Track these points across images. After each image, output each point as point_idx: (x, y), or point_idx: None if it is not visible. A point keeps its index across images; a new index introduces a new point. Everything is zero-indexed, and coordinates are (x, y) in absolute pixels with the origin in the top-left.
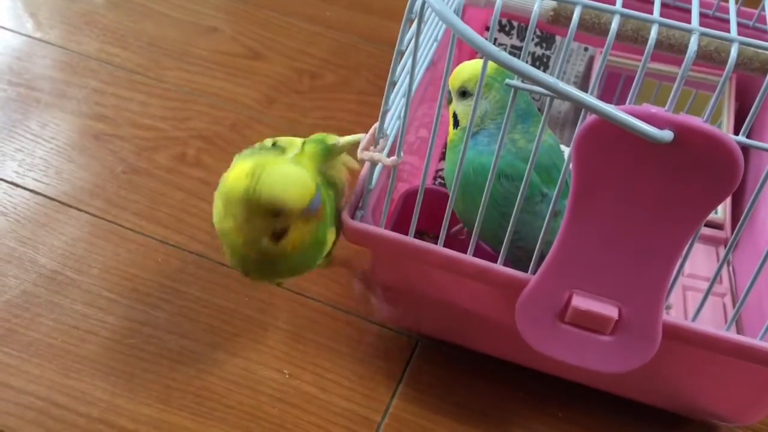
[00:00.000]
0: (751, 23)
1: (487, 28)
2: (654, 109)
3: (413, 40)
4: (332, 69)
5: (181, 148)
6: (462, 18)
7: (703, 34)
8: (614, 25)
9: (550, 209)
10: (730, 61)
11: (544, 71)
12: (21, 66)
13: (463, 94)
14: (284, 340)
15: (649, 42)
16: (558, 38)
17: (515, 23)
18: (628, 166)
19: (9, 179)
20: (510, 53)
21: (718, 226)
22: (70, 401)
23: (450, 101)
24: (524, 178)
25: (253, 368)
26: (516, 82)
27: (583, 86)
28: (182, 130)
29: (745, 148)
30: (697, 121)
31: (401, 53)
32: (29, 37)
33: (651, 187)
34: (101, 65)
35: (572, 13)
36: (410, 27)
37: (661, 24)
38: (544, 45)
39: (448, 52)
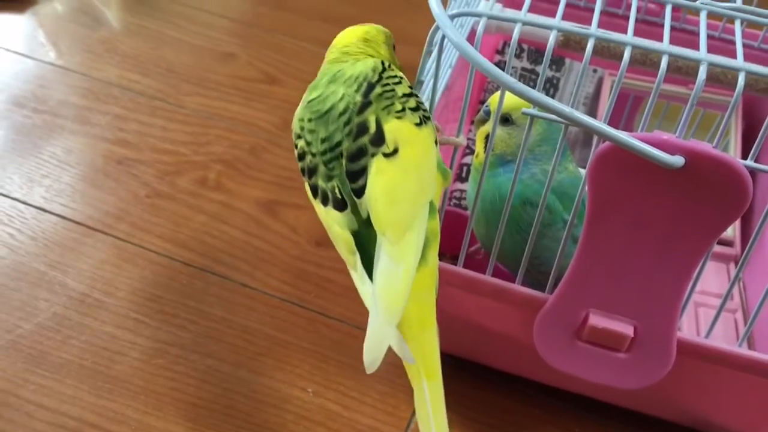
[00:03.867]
0: (756, 44)
1: (497, 51)
2: (665, 136)
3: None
4: None
5: (202, 172)
6: (471, 42)
7: (711, 64)
8: (626, 56)
9: (565, 235)
10: (737, 89)
11: (554, 93)
12: (45, 93)
13: (505, 120)
14: (307, 359)
15: (660, 72)
16: (567, 60)
17: (525, 46)
18: (641, 190)
19: (37, 205)
20: (520, 76)
21: (728, 243)
22: (102, 420)
23: (483, 122)
24: (540, 206)
25: (278, 387)
26: (533, 110)
27: (593, 107)
28: (203, 155)
29: (754, 171)
30: (706, 147)
31: (421, 82)
32: (52, 65)
33: (663, 209)
34: (122, 92)
35: (581, 38)
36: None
37: (671, 54)
38: (553, 67)
39: (467, 82)
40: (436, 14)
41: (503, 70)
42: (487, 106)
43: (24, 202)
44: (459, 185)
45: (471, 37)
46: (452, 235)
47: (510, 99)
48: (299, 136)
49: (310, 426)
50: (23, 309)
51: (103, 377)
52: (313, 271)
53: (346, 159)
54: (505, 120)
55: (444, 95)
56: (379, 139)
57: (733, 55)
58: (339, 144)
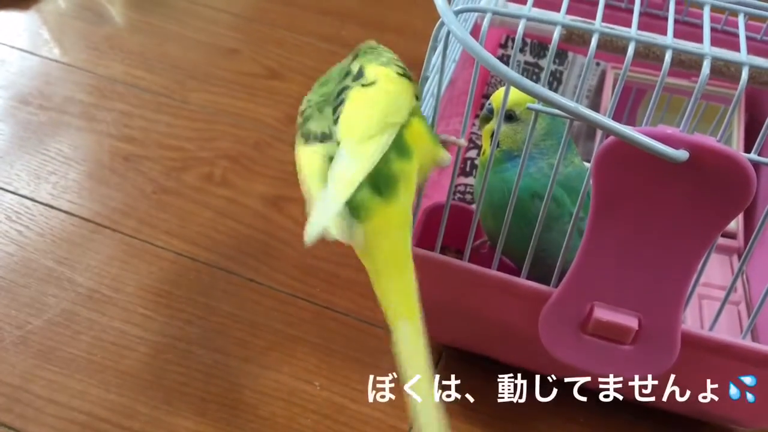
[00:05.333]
0: (759, 36)
1: (500, 45)
2: (670, 130)
3: (437, 64)
4: None
5: (207, 167)
6: (474, 35)
7: (715, 58)
8: (630, 51)
9: (569, 229)
10: (741, 84)
11: (557, 86)
12: (51, 90)
13: (509, 117)
14: (314, 353)
15: (664, 67)
16: (570, 54)
17: (527, 40)
18: (646, 184)
19: (45, 201)
20: (523, 70)
21: (731, 235)
22: (112, 415)
23: (487, 120)
24: (545, 198)
25: (285, 380)
26: (538, 105)
27: (596, 100)
28: (208, 150)
29: (757, 164)
30: (710, 141)
31: (426, 78)
32: (56, 61)
33: (667, 203)
34: (128, 88)
35: (584, 32)
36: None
37: (675, 49)
38: (557, 61)
39: (472, 78)
40: (441, 10)
41: (506, 63)
42: (490, 104)
43: (32, 199)
44: (463, 179)
45: (475, 31)
46: (457, 229)
47: (514, 95)
48: (302, 112)
49: (317, 419)
50: (32, 305)
51: (112, 372)
52: (319, 265)
53: (333, 97)
54: (510, 117)
55: (447, 90)
56: (359, 75)
57: (736, 47)
58: (331, 92)
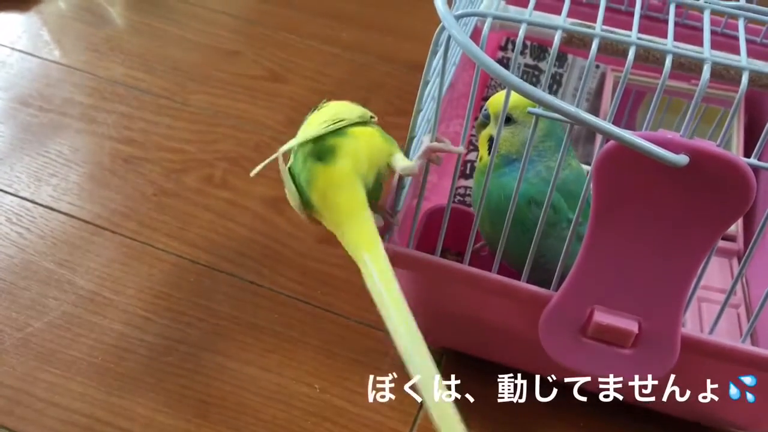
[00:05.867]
0: (758, 39)
1: (500, 47)
2: (670, 135)
3: (438, 68)
4: (350, 89)
5: (208, 169)
6: (474, 38)
7: (715, 63)
8: (630, 56)
9: (569, 233)
10: (741, 88)
11: (557, 89)
12: (51, 92)
13: (508, 120)
14: (314, 356)
15: (664, 71)
16: (570, 57)
17: (527, 43)
18: (646, 188)
19: (45, 203)
20: (523, 72)
21: (731, 238)
22: (113, 417)
23: (484, 125)
24: (543, 204)
25: (286, 383)
26: (538, 110)
27: (595, 103)
28: (208, 153)
29: (757, 168)
30: (710, 146)
31: (427, 82)
32: (57, 63)
33: (667, 207)
34: (128, 90)
35: (585, 35)
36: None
37: (675, 54)
38: (556, 63)
39: (473, 83)
40: (442, 14)
41: (506, 66)
42: (486, 110)
43: (32, 201)
44: (463, 182)
45: (475, 35)
46: (458, 232)
47: (512, 97)
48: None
49: (317, 422)
50: (33, 307)
51: (113, 374)
52: (319, 267)
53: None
54: (507, 119)
55: (447, 92)
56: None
57: (736, 50)
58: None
